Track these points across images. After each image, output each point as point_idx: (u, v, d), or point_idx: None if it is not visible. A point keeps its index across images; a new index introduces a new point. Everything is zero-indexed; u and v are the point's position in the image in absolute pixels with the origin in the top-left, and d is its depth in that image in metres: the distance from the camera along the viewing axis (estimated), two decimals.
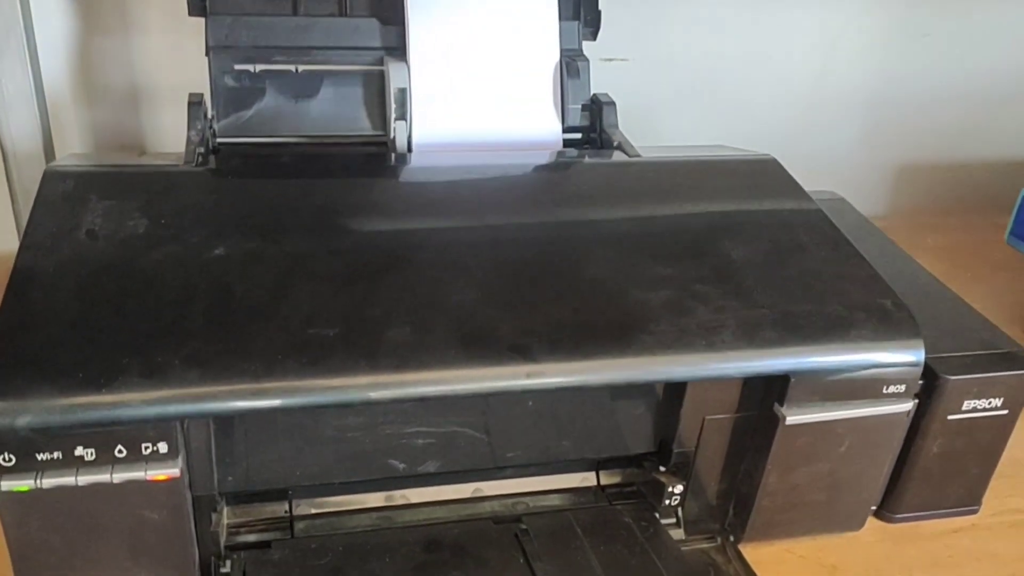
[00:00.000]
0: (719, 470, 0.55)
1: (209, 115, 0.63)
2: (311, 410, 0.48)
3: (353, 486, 0.54)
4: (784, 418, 0.50)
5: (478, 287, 0.50)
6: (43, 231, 0.50)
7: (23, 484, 0.42)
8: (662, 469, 0.55)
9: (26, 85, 0.73)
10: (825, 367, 0.50)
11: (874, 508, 0.59)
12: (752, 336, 0.49)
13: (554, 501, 0.57)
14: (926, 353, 0.51)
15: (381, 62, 0.66)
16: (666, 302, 0.50)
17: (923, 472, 0.57)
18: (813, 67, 0.94)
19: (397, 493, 0.55)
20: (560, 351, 0.47)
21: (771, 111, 0.95)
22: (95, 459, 0.42)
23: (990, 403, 0.55)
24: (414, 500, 0.55)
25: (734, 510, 0.56)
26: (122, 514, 0.44)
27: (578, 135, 0.69)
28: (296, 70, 0.64)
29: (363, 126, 0.66)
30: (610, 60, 0.87)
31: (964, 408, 0.55)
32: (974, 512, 0.60)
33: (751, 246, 0.55)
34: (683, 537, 0.56)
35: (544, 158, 0.66)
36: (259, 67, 0.64)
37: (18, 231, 0.76)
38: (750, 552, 0.55)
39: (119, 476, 0.43)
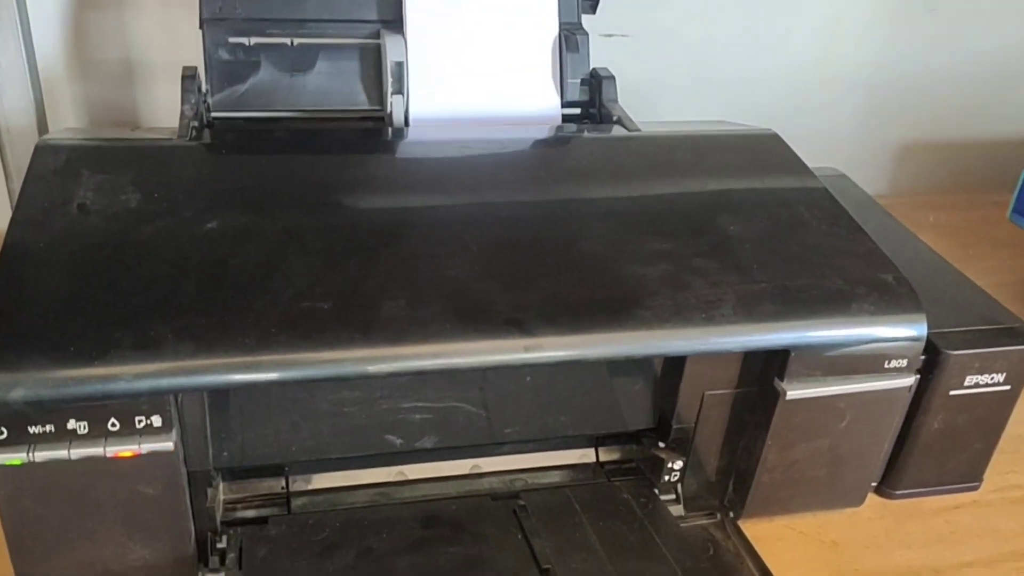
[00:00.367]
0: (718, 446, 0.55)
1: (203, 89, 0.62)
2: (306, 384, 0.48)
3: (350, 462, 0.54)
4: (784, 393, 0.50)
5: (475, 261, 0.49)
6: (35, 205, 0.49)
7: (15, 458, 0.42)
8: (661, 445, 0.55)
9: (19, 60, 0.72)
10: (826, 341, 0.49)
11: (874, 484, 0.59)
12: (752, 310, 0.49)
13: (553, 478, 0.57)
14: (928, 328, 0.51)
15: (378, 35, 0.65)
16: (665, 276, 0.50)
17: (924, 448, 0.57)
18: (816, 43, 0.93)
19: (395, 469, 0.55)
20: (558, 325, 0.46)
21: (773, 88, 0.94)
22: (88, 432, 0.42)
23: (992, 378, 0.55)
24: (412, 476, 0.55)
25: (734, 486, 0.56)
26: (116, 488, 0.44)
27: (577, 110, 0.68)
28: (291, 43, 0.63)
29: (359, 100, 0.65)
30: (610, 36, 0.86)
31: (966, 383, 0.54)
32: (975, 488, 0.60)
33: (751, 220, 0.55)
34: (682, 513, 0.56)
35: (543, 132, 0.65)
36: (253, 40, 0.63)
37: (12, 207, 0.75)
38: (750, 528, 0.55)
39: (112, 450, 0.42)
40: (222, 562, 0.48)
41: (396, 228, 0.51)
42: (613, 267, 0.50)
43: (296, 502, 0.53)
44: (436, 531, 0.51)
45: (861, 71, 0.96)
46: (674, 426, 0.54)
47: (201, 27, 0.63)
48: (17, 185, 0.74)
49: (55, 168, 0.52)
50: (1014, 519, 0.58)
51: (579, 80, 0.67)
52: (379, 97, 0.65)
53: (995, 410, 0.57)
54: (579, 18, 0.69)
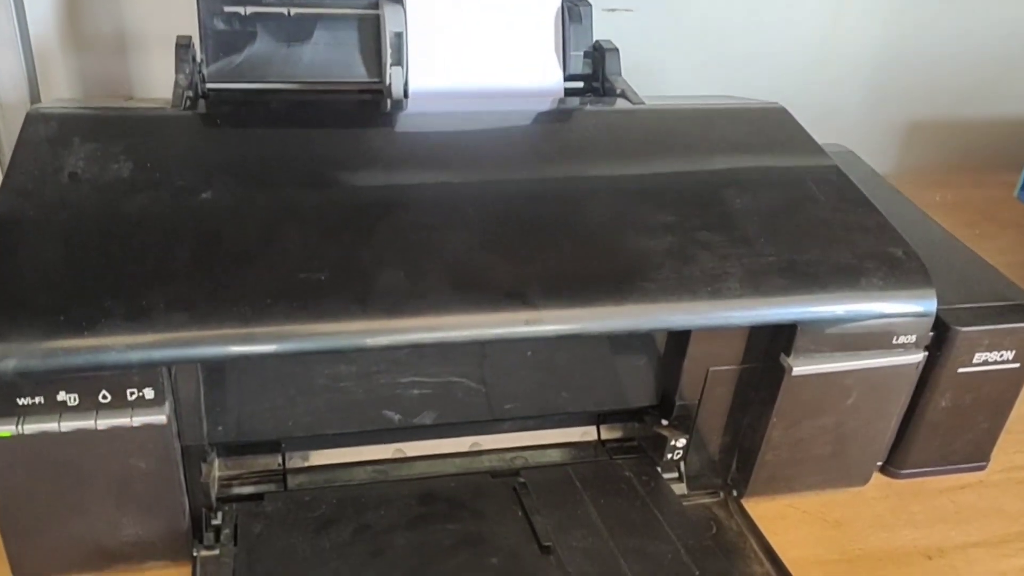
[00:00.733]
0: (722, 423, 0.54)
1: (198, 59, 0.61)
2: (302, 357, 0.47)
3: (348, 438, 0.53)
4: (790, 369, 0.49)
5: (475, 233, 0.48)
6: (25, 173, 0.48)
7: (4, 430, 0.41)
8: (664, 423, 0.54)
9: (11, 31, 0.70)
10: (834, 316, 0.48)
11: (880, 463, 0.58)
12: (759, 284, 0.48)
13: (553, 455, 0.56)
14: (937, 304, 0.50)
15: (377, 5, 0.63)
16: (670, 249, 0.49)
17: (931, 426, 0.56)
18: (823, 19, 0.92)
19: (393, 446, 0.54)
20: (560, 297, 0.45)
21: (778, 64, 0.92)
22: (78, 404, 0.41)
23: (1001, 356, 0.54)
24: (411, 454, 0.54)
25: (737, 464, 0.55)
26: (108, 463, 0.43)
27: (580, 83, 0.67)
28: (288, 13, 0.62)
29: (358, 72, 0.64)
30: (613, 10, 0.85)
31: (975, 361, 0.53)
32: (982, 468, 0.59)
33: (758, 193, 0.54)
34: (685, 492, 0.55)
35: (545, 105, 0.64)
36: (249, 9, 0.61)
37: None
38: (753, 507, 0.54)
39: (104, 422, 0.41)
40: (217, 539, 0.47)
41: (394, 200, 0.50)
42: (617, 240, 0.49)
43: (293, 479, 0.52)
44: (435, 508, 0.50)
45: (868, 47, 0.94)
46: (677, 403, 0.53)
47: None
48: (9, 157, 0.73)
49: (46, 136, 0.51)
50: (1020, 499, 0.58)
51: (582, 52, 0.66)
52: (378, 69, 0.64)
53: (1004, 388, 0.56)
54: None
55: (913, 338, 0.50)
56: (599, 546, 0.48)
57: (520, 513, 0.50)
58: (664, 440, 0.54)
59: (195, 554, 0.47)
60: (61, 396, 0.41)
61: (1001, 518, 0.56)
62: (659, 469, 0.54)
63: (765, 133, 0.60)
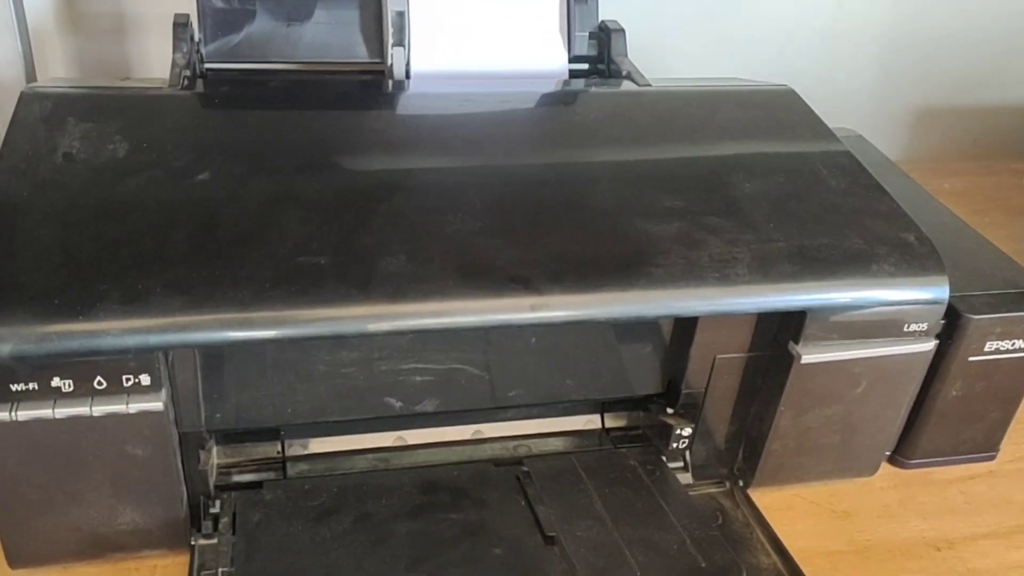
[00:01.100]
0: (729, 412, 0.53)
1: (196, 39, 0.60)
2: (301, 342, 0.46)
3: (348, 426, 0.52)
4: (799, 356, 0.48)
5: (478, 217, 0.47)
6: (19, 153, 0.47)
7: None
8: (670, 411, 0.53)
9: (7, 12, 0.70)
10: (844, 303, 0.48)
11: (888, 453, 0.57)
12: (767, 270, 0.47)
13: (557, 444, 0.56)
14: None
15: None
16: (677, 235, 0.48)
17: (940, 416, 0.55)
18: (831, 2, 0.90)
19: (394, 434, 0.53)
20: (565, 283, 0.44)
21: (785, 47, 0.91)
22: (73, 390, 0.40)
23: (1013, 344, 0.53)
24: (412, 442, 0.54)
25: (744, 454, 0.54)
26: (104, 449, 0.42)
27: (585, 65, 0.66)
28: None
29: (359, 52, 0.63)
30: None
31: (986, 349, 0.53)
32: (991, 459, 0.58)
33: (767, 177, 0.53)
34: (690, 481, 0.54)
35: (549, 87, 0.63)
36: None
37: None
38: (759, 497, 0.53)
39: (99, 409, 0.41)
40: (215, 527, 0.47)
41: (396, 183, 0.49)
42: (623, 224, 0.48)
43: (293, 467, 0.52)
44: (436, 497, 0.49)
45: (876, 31, 0.93)
46: (683, 391, 0.52)
47: None
48: None
49: (41, 116, 0.50)
50: None
51: (587, 33, 0.65)
52: (379, 49, 0.63)
53: (1015, 377, 0.55)
54: None
55: (924, 326, 0.49)
56: (604, 536, 0.47)
57: (523, 503, 0.49)
58: (670, 429, 0.53)
59: (193, 543, 0.46)
60: (55, 382, 0.40)
61: (1011, 509, 0.55)
62: (664, 458, 0.54)
63: (774, 116, 0.59)
